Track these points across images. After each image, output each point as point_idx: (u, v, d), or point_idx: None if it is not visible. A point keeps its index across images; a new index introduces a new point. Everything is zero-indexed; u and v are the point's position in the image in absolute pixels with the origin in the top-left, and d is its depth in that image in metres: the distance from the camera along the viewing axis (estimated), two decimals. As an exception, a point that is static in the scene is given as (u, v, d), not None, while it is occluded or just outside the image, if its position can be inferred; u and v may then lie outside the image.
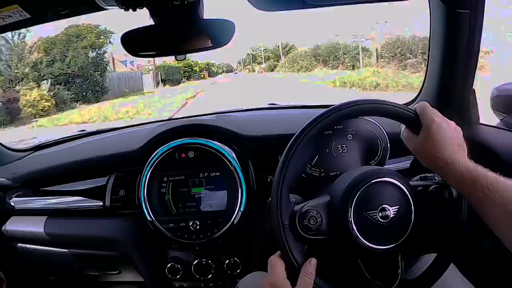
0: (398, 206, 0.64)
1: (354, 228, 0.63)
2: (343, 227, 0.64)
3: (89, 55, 12.79)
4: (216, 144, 0.95)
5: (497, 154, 0.93)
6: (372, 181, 0.65)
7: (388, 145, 0.87)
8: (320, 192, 0.79)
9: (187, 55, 0.91)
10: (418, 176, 0.77)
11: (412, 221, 0.64)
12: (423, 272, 0.69)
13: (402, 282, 0.66)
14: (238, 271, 0.97)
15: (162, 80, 18.14)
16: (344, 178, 0.70)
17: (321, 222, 0.65)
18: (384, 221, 0.64)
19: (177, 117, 1.22)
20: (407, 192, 0.65)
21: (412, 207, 0.64)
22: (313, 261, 0.63)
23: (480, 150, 0.96)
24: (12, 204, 1.03)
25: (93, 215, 1.01)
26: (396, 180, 0.65)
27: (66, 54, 12.28)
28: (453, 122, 0.69)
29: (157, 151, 0.95)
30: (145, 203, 0.94)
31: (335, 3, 0.89)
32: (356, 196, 0.64)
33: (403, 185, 0.65)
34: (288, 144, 0.69)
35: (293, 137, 0.69)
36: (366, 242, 0.63)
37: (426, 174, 0.77)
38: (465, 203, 0.68)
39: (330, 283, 0.65)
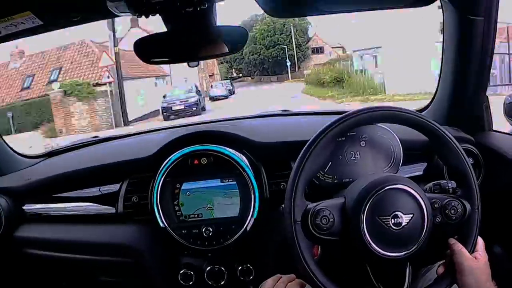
0: (411, 215, 0.64)
1: (366, 232, 0.64)
2: (354, 230, 0.64)
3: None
4: (229, 151, 0.95)
5: (510, 161, 0.93)
6: (388, 187, 0.65)
7: (402, 151, 0.87)
8: (332, 198, 0.79)
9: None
10: (431, 183, 0.77)
11: (425, 231, 0.64)
12: (430, 285, 0.69)
13: None
14: (251, 277, 0.96)
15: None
16: (360, 183, 0.71)
17: (333, 223, 0.66)
18: (396, 228, 0.64)
19: (190, 123, 1.21)
20: (421, 202, 0.65)
21: (426, 217, 0.64)
22: None
23: (493, 157, 0.96)
24: (25, 210, 1.04)
25: (106, 221, 1.01)
26: (412, 188, 0.65)
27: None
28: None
29: (169, 157, 0.95)
30: (157, 209, 0.94)
31: (349, 9, 0.89)
32: (370, 200, 0.64)
33: (418, 194, 0.65)
34: (302, 151, 0.70)
35: (307, 144, 0.70)
36: (376, 248, 0.64)
37: (439, 181, 0.77)
38: (478, 217, 0.68)
39: (336, 285, 0.66)
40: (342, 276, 0.72)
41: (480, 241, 0.70)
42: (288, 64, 24.12)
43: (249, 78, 29.25)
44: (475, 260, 0.67)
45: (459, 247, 0.67)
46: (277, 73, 25.19)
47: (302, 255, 0.65)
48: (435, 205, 0.68)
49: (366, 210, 0.64)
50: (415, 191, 0.65)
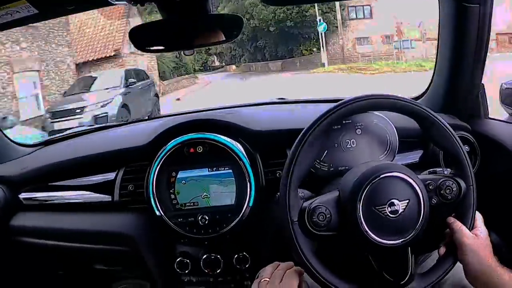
0: (407, 201, 0.64)
1: (363, 223, 0.64)
2: (352, 222, 0.64)
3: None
4: (225, 139, 0.95)
5: (506, 148, 0.93)
6: (381, 176, 0.65)
7: (397, 139, 0.87)
8: (328, 186, 0.79)
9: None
10: (427, 170, 0.77)
11: (422, 215, 0.65)
12: (433, 266, 0.69)
13: (412, 276, 0.66)
14: (247, 265, 0.97)
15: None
16: (353, 173, 0.71)
17: (330, 218, 0.66)
18: (393, 215, 0.64)
19: (186, 111, 1.21)
20: (416, 186, 0.65)
21: (422, 201, 0.65)
22: None
23: (489, 144, 0.96)
24: (21, 199, 1.04)
25: (102, 210, 1.02)
26: (405, 174, 0.65)
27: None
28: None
29: (165, 146, 0.95)
30: (153, 198, 0.94)
31: None
32: (365, 191, 0.64)
33: (411, 179, 0.65)
34: (297, 139, 0.70)
35: (302, 132, 0.70)
36: (375, 237, 0.64)
37: (435, 169, 0.77)
38: (474, 194, 0.69)
39: (341, 278, 0.66)
40: (343, 267, 0.72)
41: (478, 217, 0.70)
42: (323, 29, 13.25)
43: (233, 66, 20.81)
44: (476, 237, 0.67)
45: (458, 225, 0.68)
46: (284, 55, 14.33)
47: (303, 254, 0.65)
48: (430, 187, 0.68)
49: (361, 201, 0.64)
50: (408, 176, 0.65)
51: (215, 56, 22.52)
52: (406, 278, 0.66)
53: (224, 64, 22.34)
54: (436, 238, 0.72)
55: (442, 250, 0.70)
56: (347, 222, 0.66)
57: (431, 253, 0.85)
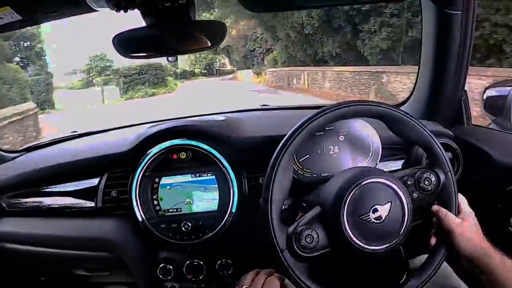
0: (389, 203, 0.64)
1: (351, 234, 0.63)
2: (339, 235, 0.64)
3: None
4: (207, 146, 0.95)
5: (489, 155, 0.93)
6: (360, 185, 0.65)
7: (380, 146, 0.87)
8: (311, 193, 0.79)
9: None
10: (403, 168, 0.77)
11: (406, 213, 0.65)
12: (427, 258, 0.69)
13: (409, 275, 0.66)
14: (229, 272, 0.97)
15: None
16: (332, 185, 0.70)
17: (318, 238, 0.65)
18: (378, 221, 0.64)
19: (169, 118, 1.21)
20: (394, 186, 0.65)
21: (404, 199, 0.65)
22: None
23: (472, 151, 0.96)
24: (4, 205, 1.03)
25: (85, 215, 1.01)
26: (382, 177, 0.66)
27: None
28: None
29: (148, 152, 0.95)
30: (136, 203, 0.94)
31: (323, 4, 0.90)
32: (346, 204, 0.64)
33: (389, 180, 0.65)
34: (279, 146, 0.70)
35: (286, 136, 0.70)
36: (365, 246, 0.64)
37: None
38: (454, 180, 0.69)
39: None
40: (341, 281, 0.71)
41: (462, 200, 0.71)
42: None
43: (250, 73, 15.54)
44: (463, 221, 0.67)
45: (443, 212, 0.68)
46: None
47: (300, 280, 0.64)
48: (408, 182, 0.69)
49: (345, 214, 0.64)
50: (385, 178, 0.65)
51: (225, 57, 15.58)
52: (404, 278, 0.66)
53: (235, 68, 16.39)
54: (426, 232, 0.72)
55: (433, 240, 0.69)
56: (334, 236, 0.65)
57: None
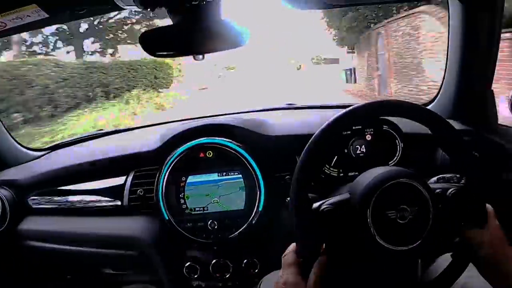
0: (416, 208, 0.64)
1: (372, 228, 0.63)
2: (361, 226, 0.64)
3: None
4: (234, 144, 0.95)
5: None
6: (392, 182, 0.64)
7: (407, 145, 0.87)
8: (338, 192, 0.79)
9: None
10: (436, 177, 0.77)
11: (430, 223, 0.64)
12: (441, 273, 0.69)
13: (419, 284, 0.66)
14: (256, 270, 0.97)
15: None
16: (365, 177, 0.70)
17: None
18: (402, 222, 0.64)
19: (197, 116, 1.21)
20: (425, 194, 0.64)
21: (431, 209, 0.64)
22: (323, 259, 0.64)
23: (499, 151, 0.96)
24: (30, 203, 1.04)
25: (111, 214, 1.01)
26: (415, 181, 0.65)
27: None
28: None
29: (175, 151, 0.95)
30: (162, 202, 0.94)
31: (354, 3, 0.89)
32: (376, 196, 0.64)
33: (422, 186, 0.64)
34: (307, 146, 0.69)
35: (312, 138, 0.69)
36: (383, 243, 0.63)
37: (444, 175, 0.77)
38: (481, 193, 0.68)
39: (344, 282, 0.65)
40: (352, 276, 0.72)
41: (489, 212, 0.69)
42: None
43: None
44: (488, 228, 0.66)
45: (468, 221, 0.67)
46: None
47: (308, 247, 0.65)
48: (440, 195, 0.67)
49: (371, 206, 0.63)
50: (418, 183, 0.65)
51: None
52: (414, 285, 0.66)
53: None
54: (444, 243, 0.72)
55: (457, 245, 0.68)
56: (355, 226, 0.65)
57: (438, 259, 0.84)
